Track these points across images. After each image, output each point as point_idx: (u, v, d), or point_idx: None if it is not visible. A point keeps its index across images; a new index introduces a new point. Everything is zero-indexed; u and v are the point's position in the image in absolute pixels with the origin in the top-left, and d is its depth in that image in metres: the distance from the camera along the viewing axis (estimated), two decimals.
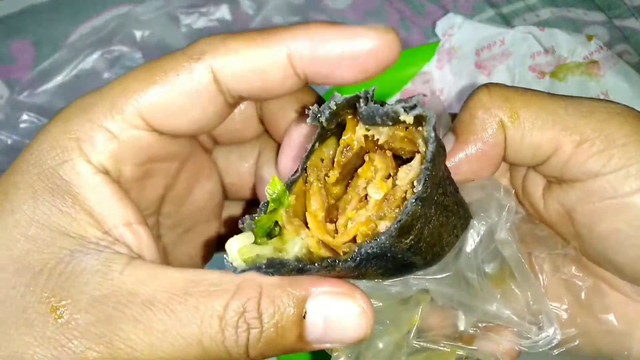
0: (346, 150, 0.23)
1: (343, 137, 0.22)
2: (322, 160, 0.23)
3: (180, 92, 0.21)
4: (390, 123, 0.21)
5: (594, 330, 0.28)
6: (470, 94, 0.24)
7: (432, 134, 0.20)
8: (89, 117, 0.20)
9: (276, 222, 0.22)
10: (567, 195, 0.25)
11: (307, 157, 0.22)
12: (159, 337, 0.19)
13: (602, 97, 0.41)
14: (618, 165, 0.23)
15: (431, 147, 0.20)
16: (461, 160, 0.24)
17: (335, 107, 0.21)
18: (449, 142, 0.24)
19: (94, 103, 0.21)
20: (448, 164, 0.24)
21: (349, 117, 0.22)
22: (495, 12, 0.52)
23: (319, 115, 0.21)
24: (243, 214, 0.26)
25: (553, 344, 0.28)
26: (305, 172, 0.22)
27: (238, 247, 0.20)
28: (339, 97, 0.21)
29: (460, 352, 0.28)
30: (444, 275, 0.27)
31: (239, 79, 0.21)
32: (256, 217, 0.21)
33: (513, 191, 0.27)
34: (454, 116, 0.26)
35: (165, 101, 0.20)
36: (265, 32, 0.21)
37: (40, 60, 0.50)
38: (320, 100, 0.25)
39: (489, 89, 0.24)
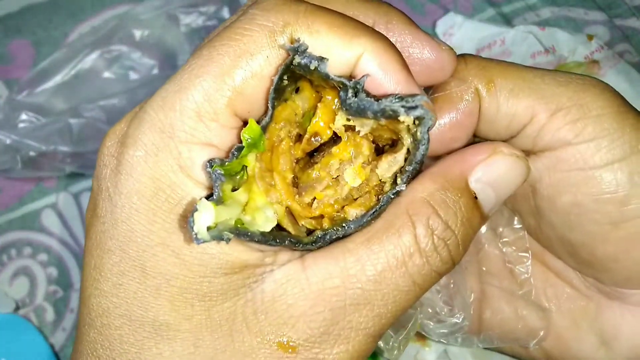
0: (314, 139, 0.21)
1: (313, 121, 0.20)
2: (295, 114, 0.21)
3: (269, 73, 0.19)
4: (383, 120, 0.19)
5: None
6: None
7: (426, 137, 0.19)
8: (182, 139, 0.19)
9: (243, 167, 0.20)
10: (534, 165, 0.24)
11: (275, 91, 0.19)
12: (383, 308, 0.19)
13: None
14: (591, 136, 0.23)
15: (422, 149, 0.19)
16: (432, 132, 0.23)
17: (314, 72, 0.19)
18: None
19: (179, 117, 0.19)
20: None
21: (326, 95, 0.20)
22: (496, 12, 0.52)
23: (299, 53, 0.19)
24: None
25: (459, 331, 0.28)
26: (273, 120, 0.20)
27: (210, 221, 0.17)
28: (325, 68, 0.19)
29: None
30: None
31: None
32: (227, 162, 0.18)
33: None
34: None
35: (258, 87, 0.19)
36: (348, 22, 0.20)
37: (40, 60, 0.50)
38: None
39: (465, 58, 0.24)
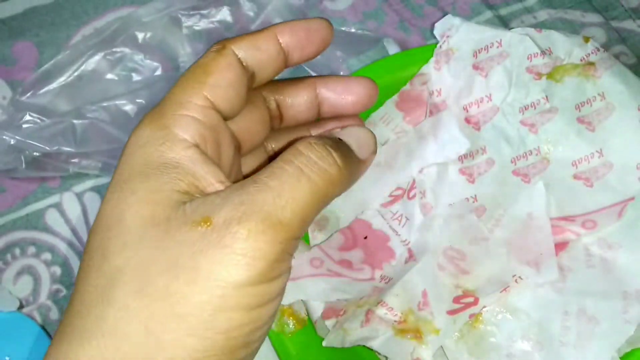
0: None
1: None
2: None
3: (223, 71, 0.25)
4: None
5: None
6: None
7: None
8: (170, 112, 0.24)
9: None
10: None
11: None
12: (291, 194, 0.23)
13: (598, 98, 0.41)
14: None
15: None
16: None
17: None
18: None
19: (167, 104, 0.25)
20: None
21: None
22: (493, 14, 0.53)
23: None
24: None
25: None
26: None
27: None
28: None
29: None
30: None
31: (250, 54, 0.26)
32: None
33: None
34: None
35: (218, 82, 0.25)
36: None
37: (43, 62, 0.51)
38: None
39: None
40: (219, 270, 0.21)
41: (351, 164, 0.25)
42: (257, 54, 0.26)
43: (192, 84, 0.24)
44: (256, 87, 0.27)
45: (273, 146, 0.31)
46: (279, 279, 0.23)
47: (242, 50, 0.25)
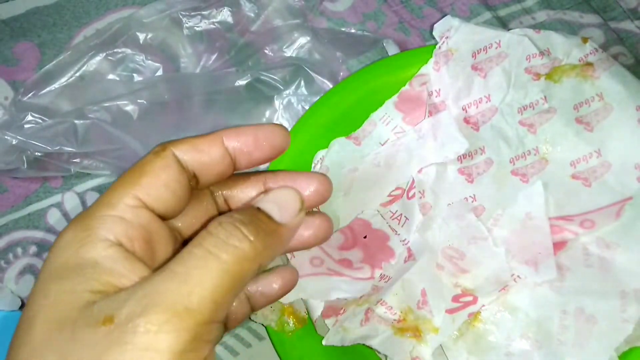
0: None
1: None
2: None
3: (158, 171, 0.25)
4: None
5: None
6: None
7: None
8: (97, 214, 0.24)
9: None
10: None
11: None
12: (199, 278, 0.22)
13: (597, 99, 0.41)
14: None
15: None
16: None
17: None
18: None
19: (97, 205, 0.24)
20: None
21: None
22: (492, 15, 0.53)
23: None
24: None
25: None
26: None
27: None
28: None
29: None
30: None
31: (191, 156, 0.25)
32: None
33: None
34: None
35: (151, 182, 0.25)
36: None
37: (45, 62, 0.51)
38: None
39: None
40: None
41: (266, 234, 0.24)
42: (199, 156, 0.25)
43: (125, 185, 0.24)
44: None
45: None
46: None
47: (183, 152, 0.25)
